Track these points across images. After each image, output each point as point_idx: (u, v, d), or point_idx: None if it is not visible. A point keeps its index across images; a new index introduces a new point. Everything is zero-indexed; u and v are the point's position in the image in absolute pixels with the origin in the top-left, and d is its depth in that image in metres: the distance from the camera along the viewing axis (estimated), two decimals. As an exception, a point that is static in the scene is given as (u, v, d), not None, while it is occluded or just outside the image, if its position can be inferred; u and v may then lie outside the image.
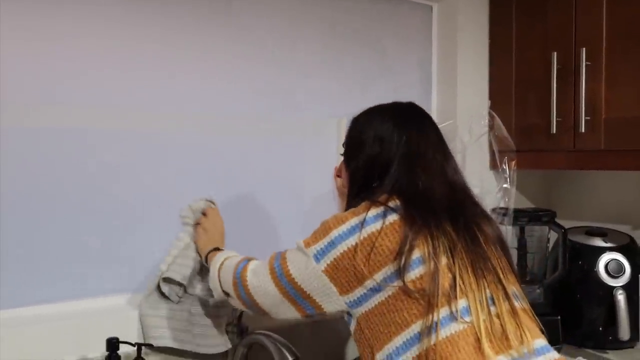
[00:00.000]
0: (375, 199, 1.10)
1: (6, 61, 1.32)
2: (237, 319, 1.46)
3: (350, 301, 1.07)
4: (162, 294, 1.40)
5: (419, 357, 0.98)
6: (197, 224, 1.42)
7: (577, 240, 1.84)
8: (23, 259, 1.34)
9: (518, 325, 1.03)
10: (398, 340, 1.01)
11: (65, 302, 1.40)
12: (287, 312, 1.15)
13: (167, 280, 1.39)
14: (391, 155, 1.14)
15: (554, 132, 1.76)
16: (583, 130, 1.69)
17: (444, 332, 0.98)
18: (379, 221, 1.05)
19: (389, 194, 1.10)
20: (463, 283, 1.02)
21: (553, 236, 1.89)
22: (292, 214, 1.74)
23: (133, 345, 1.31)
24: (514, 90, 1.95)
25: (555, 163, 1.85)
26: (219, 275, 1.26)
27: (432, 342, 0.97)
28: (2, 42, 1.31)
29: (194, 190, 1.54)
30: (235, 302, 1.23)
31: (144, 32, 1.49)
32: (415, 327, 1.00)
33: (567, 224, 1.87)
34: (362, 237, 1.04)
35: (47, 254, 1.37)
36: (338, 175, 1.31)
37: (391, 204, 1.08)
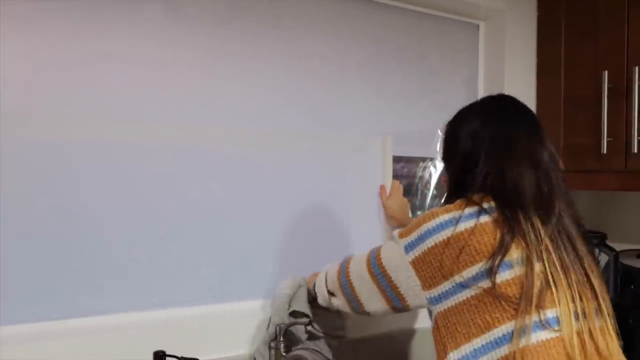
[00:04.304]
0: (469, 197, 1.10)
1: (70, 75, 1.36)
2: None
3: (431, 297, 1.08)
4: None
5: None
6: None
7: (628, 264, 1.79)
8: (74, 272, 1.37)
9: (608, 342, 1.04)
10: (478, 342, 1.01)
11: (113, 315, 1.42)
12: (378, 303, 1.20)
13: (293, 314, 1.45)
14: (480, 150, 1.14)
15: (605, 152, 1.73)
16: (635, 151, 1.65)
17: (533, 338, 0.98)
18: (472, 220, 1.06)
19: (481, 191, 1.11)
20: (557, 291, 1.01)
21: (603, 259, 1.84)
22: (335, 231, 1.74)
23: (179, 359, 1.33)
24: (562, 110, 1.92)
25: (605, 184, 1.80)
26: (325, 278, 1.35)
27: (519, 347, 0.97)
28: (61, 58, 1.36)
29: (237, 204, 1.56)
30: (339, 299, 1.30)
31: (192, 48, 1.52)
32: (498, 332, 1.00)
33: (618, 246, 1.82)
34: (454, 234, 1.05)
35: (98, 268, 1.40)
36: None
37: (485, 204, 1.08)
